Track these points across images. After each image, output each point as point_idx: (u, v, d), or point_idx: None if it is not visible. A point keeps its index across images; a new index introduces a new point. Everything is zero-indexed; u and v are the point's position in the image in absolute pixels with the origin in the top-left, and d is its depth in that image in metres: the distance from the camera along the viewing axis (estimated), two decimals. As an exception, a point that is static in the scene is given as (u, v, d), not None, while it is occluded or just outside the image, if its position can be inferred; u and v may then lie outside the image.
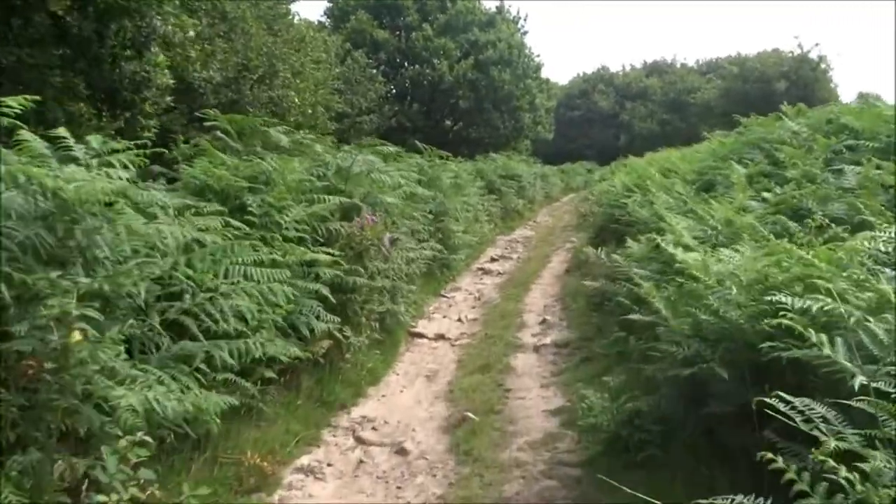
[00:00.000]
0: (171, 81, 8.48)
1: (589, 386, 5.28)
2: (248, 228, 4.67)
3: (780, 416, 2.21)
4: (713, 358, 2.96)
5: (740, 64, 38.45)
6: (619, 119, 47.59)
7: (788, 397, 2.06)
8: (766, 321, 2.67)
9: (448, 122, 28.26)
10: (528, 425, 4.76)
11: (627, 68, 53.24)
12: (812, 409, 2.01)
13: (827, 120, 7.01)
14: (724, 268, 3.37)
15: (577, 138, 46.78)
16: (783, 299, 2.53)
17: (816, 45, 46.52)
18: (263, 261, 4.52)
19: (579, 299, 8.16)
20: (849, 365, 2.11)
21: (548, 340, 6.88)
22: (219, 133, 6.03)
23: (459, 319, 8.52)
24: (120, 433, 2.72)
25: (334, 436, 4.91)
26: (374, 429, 5.04)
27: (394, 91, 26.78)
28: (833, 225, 3.90)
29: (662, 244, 3.90)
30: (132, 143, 5.65)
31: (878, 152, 5.72)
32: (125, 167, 3.37)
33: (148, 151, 3.68)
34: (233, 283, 3.79)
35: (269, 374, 4.42)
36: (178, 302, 3.55)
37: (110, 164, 3.30)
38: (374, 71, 24.09)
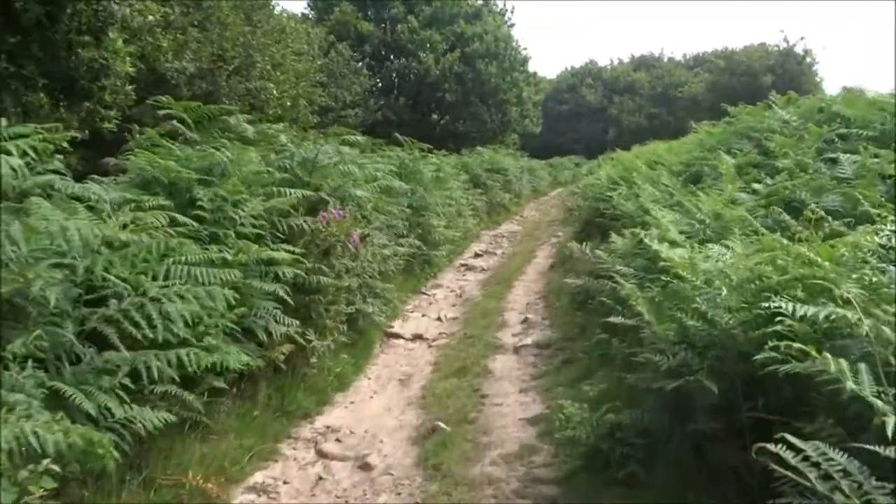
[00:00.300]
0: (132, 69, 8.06)
1: (569, 391, 4.96)
2: (196, 224, 4.29)
3: (775, 439, 1.87)
4: (701, 368, 2.61)
5: (727, 58, 38.35)
6: (607, 113, 47.38)
7: (797, 442, 1.70)
8: (760, 329, 2.32)
9: (435, 116, 27.86)
10: (503, 436, 4.40)
11: (615, 62, 52.98)
12: (829, 458, 1.65)
13: (818, 108, 6.69)
14: (713, 266, 3.02)
15: (566, 132, 46.51)
16: (782, 306, 2.19)
17: (802, 38, 46.44)
18: (213, 260, 4.15)
19: (563, 297, 7.82)
20: (879, 403, 1.76)
21: (529, 341, 6.54)
22: (175, 122, 5.62)
23: (439, 318, 8.17)
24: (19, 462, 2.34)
25: (294, 448, 4.55)
26: (338, 440, 4.68)
27: (379, 84, 26.38)
28: (830, 218, 3.56)
29: (646, 240, 3.56)
30: (76, 134, 5.26)
31: (871, 141, 5.41)
32: (24, 154, 2.98)
33: (72, 139, 3.27)
34: (166, 287, 3.40)
35: (219, 383, 4.05)
36: (104, 308, 3.17)
37: (7, 152, 2.91)
38: (359, 64, 23.67)
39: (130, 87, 8.04)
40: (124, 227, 3.82)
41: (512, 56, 28.12)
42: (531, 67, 31.43)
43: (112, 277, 3.42)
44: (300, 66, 17.13)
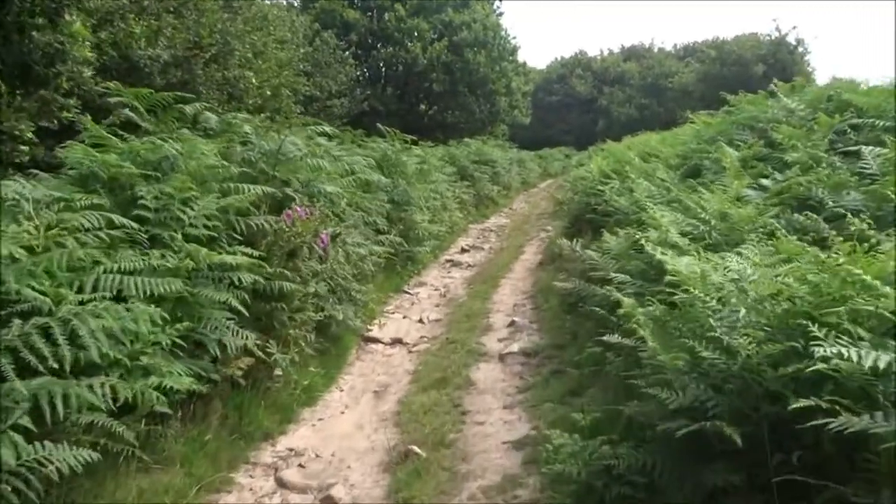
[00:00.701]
0: (91, 54, 7.50)
1: (559, 408, 4.49)
2: (137, 226, 3.78)
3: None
4: (718, 410, 2.14)
5: (718, 47, 37.96)
6: (597, 104, 46.95)
7: None
8: (793, 366, 1.85)
9: (423, 107, 27.29)
10: (484, 463, 3.93)
11: (605, 53, 52.55)
12: None
13: (826, 97, 6.22)
14: (727, 279, 2.55)
15: (555, 123, 46.07)
16: (831, 350, 1.71)
17: (794, 28, 46.03)
18: (156, 267, 3.65)
19: (552, 298, 7.35)
20: None
21: (515, 347, 6.06)
22: (127, 111, 5.09)
23: (420, 320, 7.69)
24: None
25: (251, 476, 4.05)
26: (301, 465, 4.20)
27: (366, 74, 25.83)
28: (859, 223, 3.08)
29: (648, 248, 3.08)
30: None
31: (887, 132, 4.97)
32: None
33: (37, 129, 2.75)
34: (82, 305, 2.89)
35: (162, 407, 3.55)
36: (5, 329, 2.66)
37: None
38: (345, 53, 23.05)
39: (89, 73, 7.47)
40: (47, 230, 3.32)
41: (501, 45, 27.57)
42: (520, 58, 30.89)
43: (28, 291, 2.92)
44: (283, 55, 16.54)
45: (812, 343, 1.85)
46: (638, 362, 3.19)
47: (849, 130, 5.32)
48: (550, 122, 45.77)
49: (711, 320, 2.29)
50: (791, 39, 35.48)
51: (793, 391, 1.93)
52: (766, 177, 4.81)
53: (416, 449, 4.06)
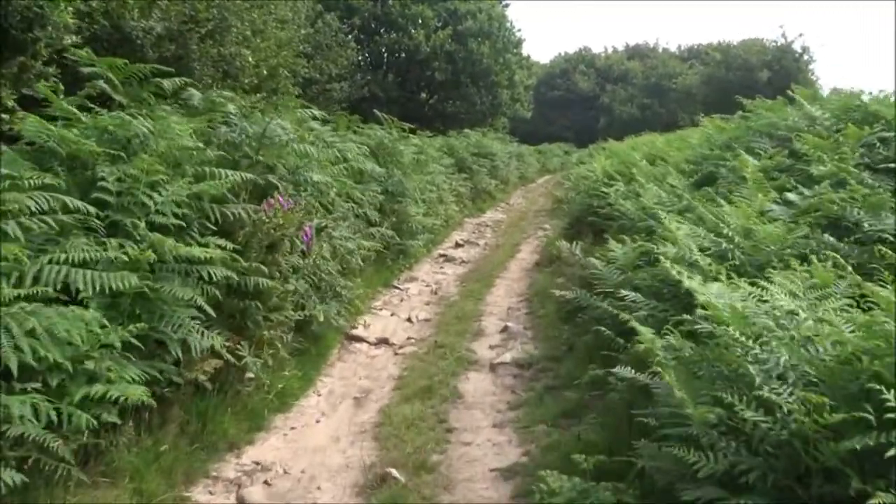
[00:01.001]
0: (73, 21, 7.04)
1: (552, 432, 4.12)
2: (95, 210, 3.37)
3: None
4: (759, 483, 1.76)
5: (724, 51, 37.54)
6: (599, 101, 46.52)
7: None
8: (860, 440, 1.46)
9: (423, 95, 26.80)
10: (468, 494, 3.54)
11: (609, 50, 52.05)
12: None
13: (853, 106, 5.83)
14: (765, 314, 2.16)
15: (556, 119, 45.64)
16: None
17: (800, 35, 45.53)
18: (113, 259, 3.24)
19: (548, 304, 6.96)
20: None
21: (508, 357, 5.68)
22: (101, 83, 4.66)
23: (409, 319, 7.30)
24: None
25: (210, 493, 3.66)
26: (266, 483, 3.81)
27: (368, 59, 25.32)
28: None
29: (669, 268, 2.68)
30: None
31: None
32: None
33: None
34: (9, 303, 2.48)
35: (111, 416, 3.16)
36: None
37: None
38: (347, 36, 22.52)
39: (69, 40, 7.02)
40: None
41: (505, 37, 27.10)
42: (524, 51, 30.44)
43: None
44: (283, 35, 16.06)
45: (888, 412, 1.47)
46: (650, 397, 2.82)
47: (878, 144, 4.95)
48: (551, 117, 45.33)
49: (752, 368, 1.91)
50: (797, 47, 35.12)
51: (857, 470, 1.56)
52: (789, 190, 4.44)
53: (394, 472, 3.68)
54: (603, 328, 3.82)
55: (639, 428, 2.91)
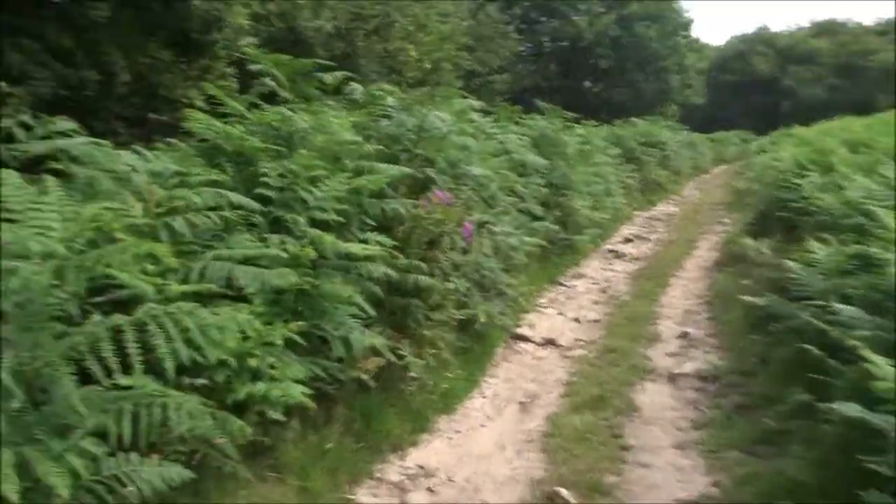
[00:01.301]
0: (248, 22, 7.36)
1: (747, 460, 3.56)
2: (259, 206, 3.33)
3: None
4: None
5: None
6: (780, 84, 42.82)
7: None
8: None
9: (587, 83, 26.03)
10: (650, 527, 3.13)
11: (792, 28, 47.71)
12: None
13: None
14: None
15: (731, 105, 42.66)
16: None
17: None
18: (274, 256, 3.18)
19: (733, 308, 6.23)
20: None
21: (689, 368, 5.10)
22: (268, 80, 4.71)
23: (576, 319, 6.88)
24: None
25: (374, 496, 3.52)
26: (430, 489, 3.61)
27: (530, 48, 24.97)
28: None
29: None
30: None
31: None
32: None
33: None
34: (168, 302, 2.42)
35: (275, 414, 3.09)
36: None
37: None
38: (508, 27, 22.32)
39: (245, 41, 7.34)
40: (157, 207, 2.93)
41: (674, 19, 25.59)
42: (693, 33, 28.63)
43: (122, 277, 2.52)
44: (445, 28, 16.16)
45: None
46: (876, 435, 2.26)
47: None
48: (726, 103, 42.42)
49: None
50: None
51: None
52: None
53: (563, 492, 3.33)
54: (808, 346, 3.22)
55: (863, 474, 2.36)
